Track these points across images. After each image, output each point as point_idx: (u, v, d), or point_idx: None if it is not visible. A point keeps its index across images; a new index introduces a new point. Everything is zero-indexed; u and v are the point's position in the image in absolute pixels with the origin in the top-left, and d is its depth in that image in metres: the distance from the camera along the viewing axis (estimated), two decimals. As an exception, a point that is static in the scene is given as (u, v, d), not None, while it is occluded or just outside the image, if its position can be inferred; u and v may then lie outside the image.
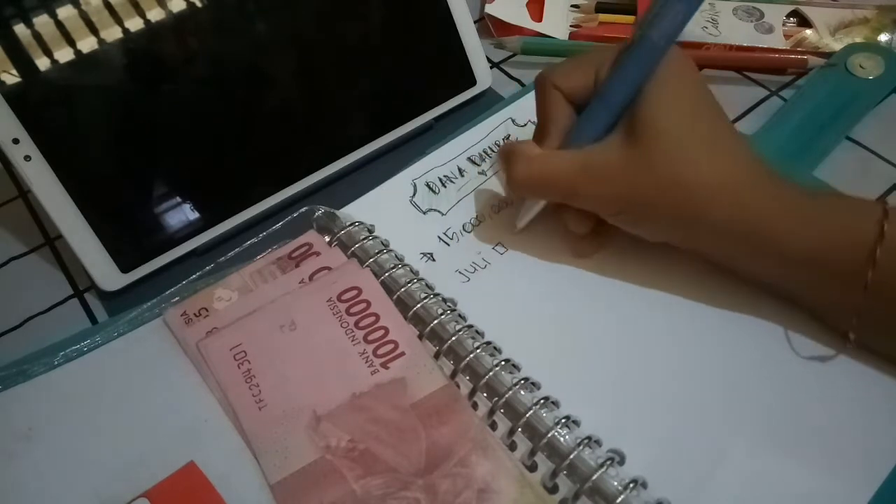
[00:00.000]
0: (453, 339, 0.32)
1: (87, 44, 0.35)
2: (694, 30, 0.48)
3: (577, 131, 0.33)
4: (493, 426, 0.30)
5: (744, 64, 0.47)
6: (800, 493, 0.28)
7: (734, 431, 0.30)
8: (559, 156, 0.33)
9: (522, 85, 0.47)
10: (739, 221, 0.30)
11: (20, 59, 0.33)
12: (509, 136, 0.42)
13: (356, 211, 0.39)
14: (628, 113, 0.31)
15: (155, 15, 0.36)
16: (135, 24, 0.36)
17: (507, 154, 0.34)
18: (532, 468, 0.29)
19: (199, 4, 0.37)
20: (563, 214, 0.35)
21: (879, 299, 0.28)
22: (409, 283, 0.34)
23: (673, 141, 0.30)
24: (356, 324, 0.33)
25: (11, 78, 0.33)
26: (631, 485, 0.27)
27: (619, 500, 0.27)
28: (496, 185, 0.40)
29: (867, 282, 0.28)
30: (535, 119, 0.42)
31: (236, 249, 0.38)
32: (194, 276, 0.37)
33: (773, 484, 0.29)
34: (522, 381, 0.31)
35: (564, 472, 0.28)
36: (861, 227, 0.29)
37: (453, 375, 0.32)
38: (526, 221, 0.36)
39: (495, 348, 0.32)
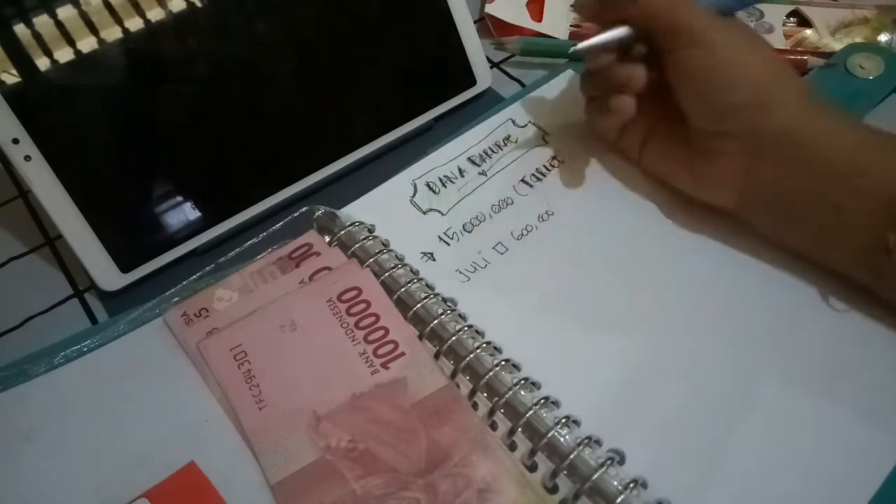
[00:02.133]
0: (453, 339, 0.32)
1: (87, 44, 0.35)
2: (694, 30, 0.48)
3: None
4: (494, 426, 0.30)
5: (744, 64, 0.47)
6: (800, 492, 0.28)
7: (734, 431, 0.30)
8: None
9: (523, 85, 0.47)
10: (795, 129, 0.32)
11: (20, 59, 0.33)
12: (509, 136, 0.42)
13: (356, 211, 0.39)
14: (729, 19, 0.34)
15: (155, 15, 0.36)
16: (135, 24, 0.36)
17: None
18: (532, 468, 0.29)
19: (199, 4, 0.37)
20: (606, 107, 0.36)
21: None
22: (409, 282, 0.34)
23: (760, 46, 0.33)
24: (356, 324, 0.33)
25: (11, 78, 0.33)
26: (631, 485, 0.27)
27: (619, 500, 0.27)
28: (496, 186, 0.40)
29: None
30: (534, 119, 0.42)
31: (236, 249, 0.38)
32: (194, 276, 0.37)
33: (773, 483, 0.29)
34: (522, 381, 0.31)
35: (564, 472, 0.28)
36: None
37: (453, 375, 0.32)
38: (594, 44, 0.35)
39: (495, 348, 0.32)
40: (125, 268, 0.37)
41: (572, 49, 0.35)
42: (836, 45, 0.46)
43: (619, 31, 0.35)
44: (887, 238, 0.30)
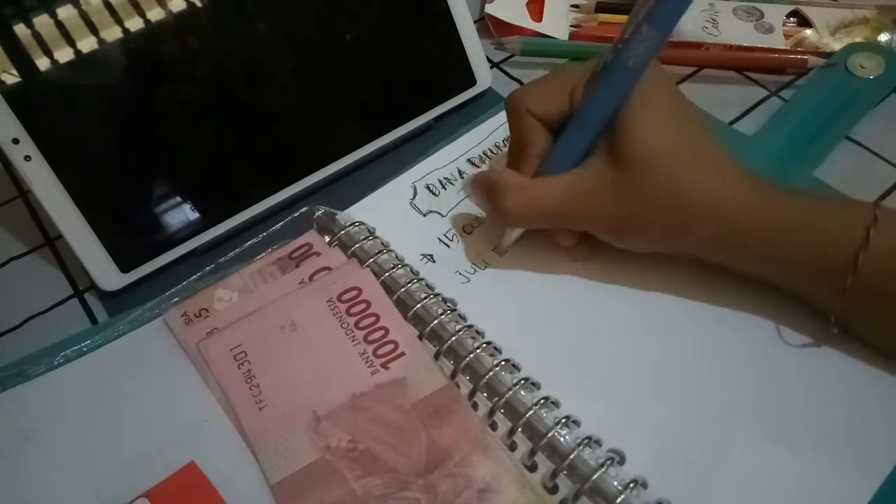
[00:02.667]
0: (453, 339, 0.32)
1: (87, 44, 0.35)
2: (694, 30, 0.48)
3: (555, 156, 0.33)
4: (493, 426, 0.30)
5: (743, 64, 0.47)
6: (800, 492, 0.28)
7: (734, 431, 0.30)
8: (547, 183, 0.32)
9: (522, 85, 0.47)
10: (729, 232, 0.30)
11: (20, 59, 0.33)
12: (509, 137, 0.42)
13: (356, 214, 0.39)
14: (609, 135, 0.31)
15: (155, 15, 0.36)
16: (135, 24, 0.36)
17: (490, 186, 0.33)
18: (532, 468, 0.29)
19: (199, 4, 0.37)
20: (550, 231, 0.35)
21: (859, 302, 0.29)
22: (409, 283, 0.34)
23: (659, 161, 0.30)
24: (356, 324, 0.33)
25: (11, 78, 0.33)
26: (631, 485, 0.27)
27: (619, 500, 0.27)
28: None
29: (846, 286, 0.29)
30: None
31: (236, 250, 0.38)
32: (194, 276, 0.37)
33: (773, 483, 0.29)
34: (522, 381, 0.31)
35: (564, 472, 0.28)
36: (849, 231, 0.29)
37: (453, 375, 0.32)
38: (510, 242, 0.36)
39: (495, 348, 0.32)
40: (125, 268, 0.37)
41: (505, 246, 0.36)
42: (836, 45, 0.46)
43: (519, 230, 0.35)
44: (831, 313, 0.30)
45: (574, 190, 0.32)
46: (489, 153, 0.42)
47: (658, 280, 0.35)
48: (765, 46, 0.47)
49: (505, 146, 0.42)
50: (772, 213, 0.30)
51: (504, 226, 0.36)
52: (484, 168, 0.41)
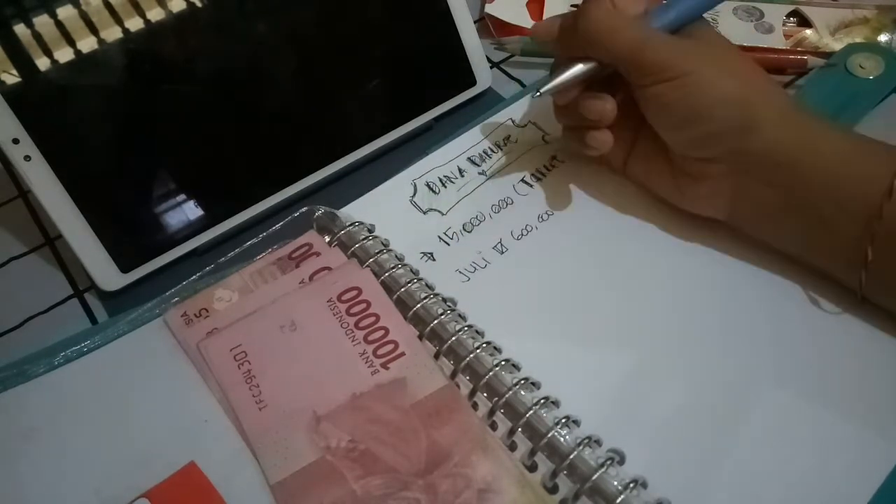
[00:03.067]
0: (453, 339, 0.32)
1: (87, 44, 0.35)
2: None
3: (650, 18, 0.33)
4: (493, 426, 0.30)
5: (744, 64, 0.47)
6: (800, 492, 0.28)
7: (734, 430, 0.30)
8: (637, 23, 0.33)
9: (523, 85, 0.47)
10: (779, 146, 0.31)
11: (20, 59, 0.33)
12: (509, 136, 0.42)
13: (356, 211, 0.39)
14: (693, 30, 0.33)
15: (155, 15, 0.36)
16: (135, 24, 0.36)
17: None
18: (532, 468, 0.29)
19: (199, 4, 0.37)
20: (588, 132, 0.35)
21: (885, 253, 0.29)
22: (409, 282, 0.34)
23: (733, 61, 0.32)
24: (356, 324, 0.33)
25: (11, 78, 0.33)
26: (631, 485, 0.27)
27: (619, 500, 0.27)
28: (496, 186, 0.40)
29: (873, 234, 0.29)
30: (534, 119, 0.42)
31: (236, 250, 0.38)
32: (194, 276, 0.37)
33: (772, 483, 0.29)
34: (522, 381, 0.31)
35: (564, 472, 0.28)
36: (878, 176, 0.29)
37: (453, 375, 0.32)
38: (556, 85, 0.34)
39: (495, 348, 0.32)
40: (125, 268, 0.37)
41: (536, 93, 0.35)
42: (836, 45, 0.46)
43: (581, 68, 0.34)
44: (865, 251, 0.30)
45: (656, 41, 0.32)
46: (490, 151, 0.42)
47: (659, 282, 0.35)
48: (765, 46, 0.47)
49: (505, 145, 0.42)
50: (819, 139, 0.31)
51: (562, 58, 0.35)
52: (484, 166, 0.41)
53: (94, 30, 0.35)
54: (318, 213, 0.38)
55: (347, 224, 0.37)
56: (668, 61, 0.32)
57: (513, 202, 0.39)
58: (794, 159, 0.31)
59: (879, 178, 0.29)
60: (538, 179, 0.40)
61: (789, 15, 0.49)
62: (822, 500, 0.28)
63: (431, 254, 0.37)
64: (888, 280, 0.31)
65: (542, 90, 0.34)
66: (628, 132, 0.37)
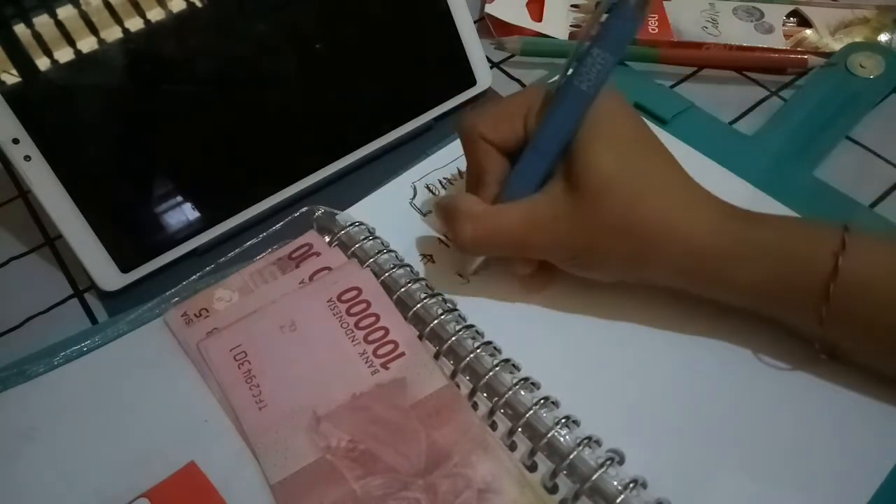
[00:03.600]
0: (453, 339, 0.32)
1: (87, 44, 0.35)
2: (694, 30, 0.48)
3: (513, 183, 0.32)
4: (493, 426, 0.30)
5: (744, 64, 0.47)
6: (799, 492, 0.28)
7: (734, 431, 0.30)
8: (505, 210, 0.31)
9: (522, 85, 0.47)
10: (688, 259, 0.30)
11: (20, 59, 0.33)
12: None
13: (356, 214, 0.39)
14: (566, 160, 0.31)
15: (155, 15, 0.36)
16: (135, 24, 0.36)
17: (449, 213, 0.33)
18: (532, 468, 0.29)
19: (199, 4, 0.37)
20: (507, 261, 0.34)
21: (839, 330, 0.28)
22: (409, 283, 0.34)
23: (613, 189, 0.30)
24: (356, 324, 0.33)
25: (11, 78, 0.33)
26: (631, 485, 0.27)
27: (619, 500, 0.27)
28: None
29: (822, 316, 0.28)
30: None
31: (236, 250, 0.38)
32: (194, 276, 0.37)
33: (773, 482, 0.29)
34: (522, 381, 0.31)
35: (564, 472, 0.28)
36: (816, 259, 0.28)
37: (453, 375, 0.32)
38: (473, 270, 0.36)
39: (495, 348, 0.32)
40: (125, 268, 0.37)
41: (467, 273, 0.35)
42: (836, 45, 0.46)
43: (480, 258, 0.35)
44: (815, 340, 0.30)
45: (533, 218, 0.31)
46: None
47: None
48: (765, 46, 0.47)
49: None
50: (731, 236, 0.29)
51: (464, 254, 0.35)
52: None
53: (94, 30, 0.35)
54: (318, 214, 0.38)
55: (347, 224, 0.37)
56: (556, 244, 0.31)
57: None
58: (700, 269, 0.30)
59: (814, 262, 0.28)
60: (538, 179, 0.40)
61: (789, 15, 0.49)
62: (823, 497, 0.28)
63: (431, 256, 0.37)
64: (844, 348, 0.30)
65: (468, 275, 0.36)
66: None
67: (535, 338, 0.33)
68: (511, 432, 0.30)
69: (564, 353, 0.33)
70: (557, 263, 0.33)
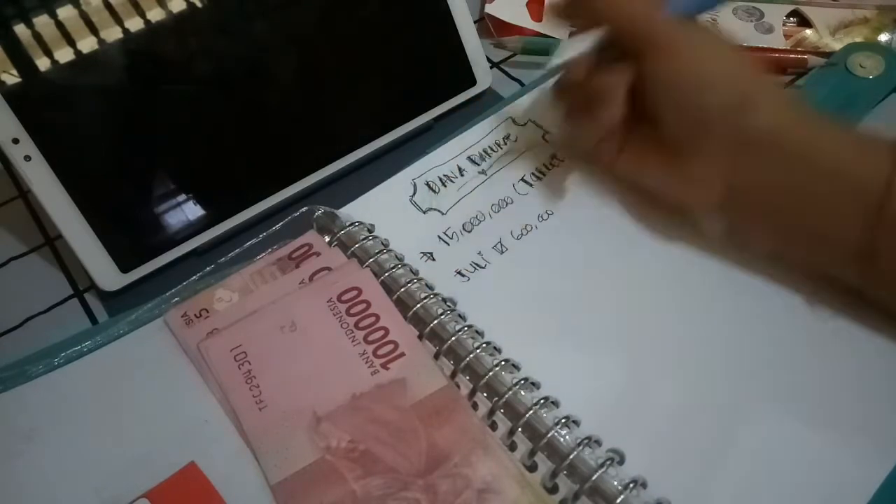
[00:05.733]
0: (453, 339, 0.32)
1: (87, 44, 0.35)
2: (694, 29, 0.48)
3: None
4: (493, 426, 0.30)
5: (744, 64, 0.47)
6: (799, 493, 0.28)
7: (734, 430, 0.30)
8: (647, 5, 0.33)
9: (522, 85, 0.47)
10: (779, 127, 0.32)
11: (20, 59, 0.33)
12: (509, 135, 0.42)
13: (356, 210, 0.39)
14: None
15: (155, 15, 0.36)
16: (135, 24, 0.36)
17: None
18: (532, 468, 0.29)
19: (199, 4, 0.37)
20: (586, 116, 0.35)
21: (889, 242, 0.29)
22: (409, 283, 0.34)
23: (737, 51, 0.34)
24: (356, 324, 0.33)
25: (11, 78, 0.33)
26: (631, 485, 0.27)
27: (619, 500, 0.27)
28: (496, 185, 0.40)
29: (877, 221, 0.29)
30: (534, 118, 0.42)
31: (237, 250, 0.38)
32: (195, 276, 0.37)
33: (773, 482, 0.29)
34: (522, 381, 0.31)
35: (564, 472, 0.28)
36: (881, 164, 0.30)
37: (453, 375, 0.32)
38: (564, 59, 0.35)
39: (495, 348, 0.32)
40: (125, 268, 0.37)
41: (550, 66, 0.35)
42: (836, 45, 0.46)
43: (591, 37, 0.35)
44: (867, 242, 0.30)
45: (666, 17, 0.33)
46: (490, 150, 0.42)
47: (660, 285, 0.35)
48: (765, 46, 0.47)
49: (505, 144, 0.42)
50: (819, 127, 0.32)
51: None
52: (484, 165, 0.41)
53: (94, 30, 0.35)
54: (318, 213, 0.38)
55: (347, 224, 0.37)
56: (676, 36, 0.33)
57: (513, 202, 0.39)
58: (791, 143, 0.31)
59: (882, 168, 0.29)
60: (538, 179, 0.40)
61: (789, 15, 0.49)
62: (823, 497, 0.28)
63: (431, 253, 0.37)
64: (889, 272, 0.30)
65: (558, 63, 0.35)
66: (624, 124, 0.36)
67: (536, 337, 0.33)
68: (511, 432, 0.30)
69: (565, 352, 0.33)
70: (652, 74, 0.33)
